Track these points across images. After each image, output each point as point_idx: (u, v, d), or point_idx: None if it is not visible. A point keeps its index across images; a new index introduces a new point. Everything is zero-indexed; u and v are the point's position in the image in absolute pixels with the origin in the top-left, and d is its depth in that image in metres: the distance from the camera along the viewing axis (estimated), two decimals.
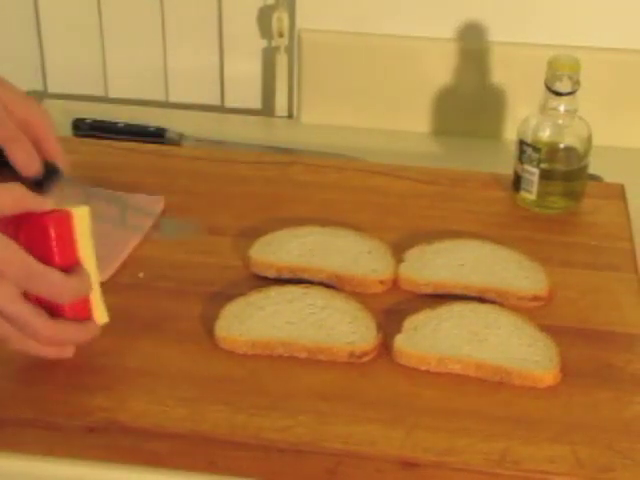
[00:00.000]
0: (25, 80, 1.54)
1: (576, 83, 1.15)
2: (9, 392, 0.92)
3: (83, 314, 0.91)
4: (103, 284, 0.94)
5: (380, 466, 0.87)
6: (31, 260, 0.85)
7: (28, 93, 1.55)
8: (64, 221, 0.88)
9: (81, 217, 0.89)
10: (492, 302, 1.03)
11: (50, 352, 0.91)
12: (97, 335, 0.92)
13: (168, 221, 1.01)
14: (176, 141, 1.37)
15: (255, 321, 0.98)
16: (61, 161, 0.97)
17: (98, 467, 0.88)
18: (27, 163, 0.95)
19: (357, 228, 1.12)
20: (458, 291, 1.05)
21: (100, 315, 0.93)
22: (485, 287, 1.04)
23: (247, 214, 1.17)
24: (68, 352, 0.92)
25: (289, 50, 1.46)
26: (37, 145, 0.96)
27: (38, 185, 0.96)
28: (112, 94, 1.52)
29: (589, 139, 1.17)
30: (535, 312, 1.02)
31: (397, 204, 1.20)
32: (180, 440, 0.88)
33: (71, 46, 1.51)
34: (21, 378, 0.93)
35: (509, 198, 1.21)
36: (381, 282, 1.05)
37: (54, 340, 0.89)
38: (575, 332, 1.01)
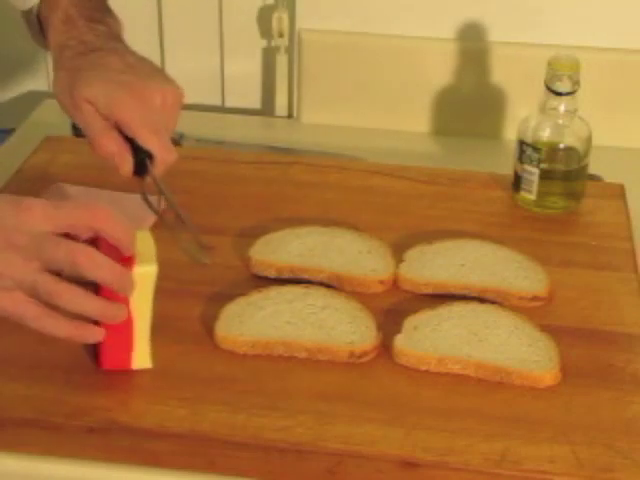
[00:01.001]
0: (26, 80, 1.55)
1: (576, 83, 1.15)
2: (9, 392, 0.92)
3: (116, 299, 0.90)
4: None
5: (380, 466, 0.87)
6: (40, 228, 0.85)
7: (29, 93, 1.57)
8: None
9: (144, 277, 0.90)
10: (492, 302, 1.03)
11: (65, 330, 0.88)
12: (121, 318, 0.90)
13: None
14: (176, 141, 1.37)
15: (255, 321, 0.98)
16: (151, 147, 0.98)
17: (98, 467, 0.88)
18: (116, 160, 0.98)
19: (357, 228, 1.12)
20: (458, 291, 1.05)
21: (143, 360, 0.93)
22: (485, 287, 1.04)
23: (247, 214, 1.17)
24: (83, 334, 0.89)
25: (289, 50, 1.46)
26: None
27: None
28: None
29: (589, 139, 1.17)
30: (535, 312, 1.02)
31: (397, 204, 1.20)
32: (180, 440, 0.88)
33: None
34: (21, 378, 0.93)
35: (509, 198, 1.21)
36: (381, 282, 1.05)
37: (70, 305, 0.87)
38: (575, 332, 1.01)
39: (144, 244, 0.91)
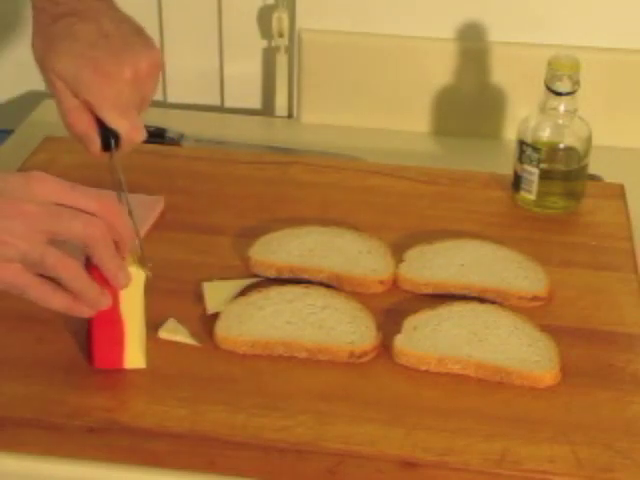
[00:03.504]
0: (26, 80, 1.54)
1: (576, 83, 1.15)
2: (9, 392, 0.92)
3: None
4: None
5: (380, 466, 0.87)
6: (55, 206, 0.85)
7: (29, 93, 1.57)
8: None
9: (134, 278, 0.90)
10: (492, 302, 1.03)
11: (64, 301, 0.88)
12: (105, 306, 0.90)
13: None
14: (176, 141, 1.37)
15: (255, 321, 0.98)
16: (118, 129, 0.96)
17: (98, 467, 0.88)
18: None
19: (357, 228, 1.12)
20: (458, 291, 1.05)
21: (136, 359, 0.94)
22: (485, 287, 1.04)
23: (247, 214, 1.17)
24: (81, 307, 0.89)
25: (289, 50, 1.46)
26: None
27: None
28: None
29: (589, 139, 1.17)
30: (535, 312, 1.02)
31: (397, 204, 1.20)
32: (180, 440, 0.88)
33: None
34: (21, 378, 0.93)
35: (509, 198, 1.21)
36: (381, 282, 1.05)
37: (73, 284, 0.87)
38: (575, 332, 1.01)
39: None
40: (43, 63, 0.96)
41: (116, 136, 0.96)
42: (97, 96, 0.95)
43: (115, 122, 0.95)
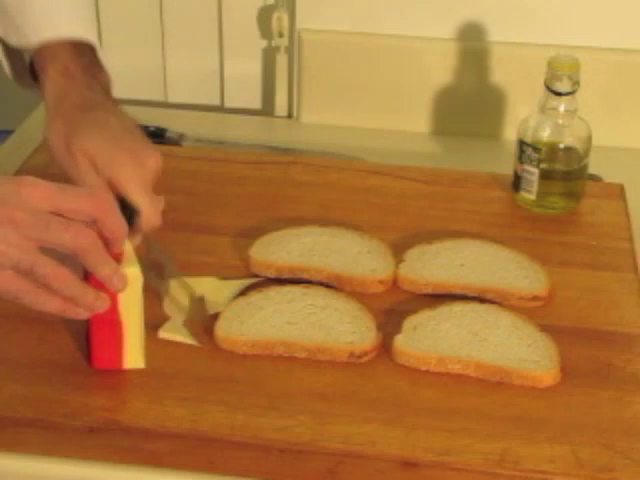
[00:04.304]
0: None
1: (576, 83, 1.15)
2: (9, 392, 0.92)
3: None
4: None
5: (380, 466, 0.87)
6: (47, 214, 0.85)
7: (29, 93, 1.56)
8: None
9: (131, 278, 0.90)
10: (492, 302, 1.03)
11: (57, 304, 0.88)
12: (102, 309, 0.90)
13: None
14: (176, 141, 1.37)
15: (255, 321, 0.98)
16: (142, 207, 0.99)
17: (98, 467, 0.88)
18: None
19: (357, 228, 1.12)
20: (458, 291, 1.05)
21: (135, 360, 0.94)
22: (485, 287, 1.04)
23: (247, 214, 1.17)
24: (75, 309, 0.90)
25: (289, 50, 1.46)
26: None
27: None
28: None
29: (589, 139, 1.17)
30: (535, 312, 1.02)
31: (397, 204, 1.20)
32: (180, 440, 0.88)
33: None
34: (21, 378, 0.93)
35: (509, 198, 1.21)
36: (381, 282, 1.05)
37: (64, 289, 0.88)
38: (575, 332, 1.01)
39: (127, 248, 0.92)
40: (68, 140, 1.00)
41: (132, 217, 0.98)
42: (126, 174, 0.98)
43: (139, 199, 0.98)
